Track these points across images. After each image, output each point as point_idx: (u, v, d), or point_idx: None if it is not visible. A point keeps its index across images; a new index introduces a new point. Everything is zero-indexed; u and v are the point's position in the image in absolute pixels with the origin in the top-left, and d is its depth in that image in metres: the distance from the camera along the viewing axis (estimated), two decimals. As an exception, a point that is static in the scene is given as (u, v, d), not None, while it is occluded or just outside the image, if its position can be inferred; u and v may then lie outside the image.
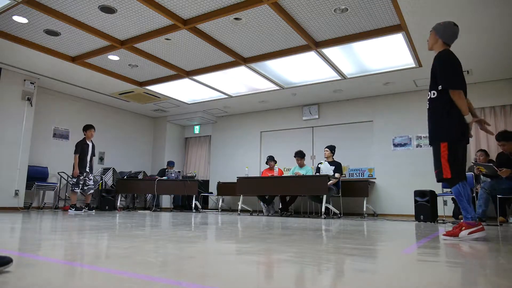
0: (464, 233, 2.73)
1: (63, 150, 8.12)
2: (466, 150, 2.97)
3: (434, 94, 2.94)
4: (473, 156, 6.23)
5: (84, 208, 6.87)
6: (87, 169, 6.92)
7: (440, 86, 2.88)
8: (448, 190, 6.09)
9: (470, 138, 2.92)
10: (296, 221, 5.08)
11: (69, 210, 6.70)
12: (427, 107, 3.04)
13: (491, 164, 4.86)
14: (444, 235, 2.88)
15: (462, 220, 2.90)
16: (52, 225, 3.76)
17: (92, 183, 7.07)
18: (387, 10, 4.56)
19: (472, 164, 5.48)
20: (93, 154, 7.08)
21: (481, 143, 6.66)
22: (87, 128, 7.08)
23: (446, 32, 3.00)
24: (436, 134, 2.91)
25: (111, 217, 5.37)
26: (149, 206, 9.27)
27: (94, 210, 7.28)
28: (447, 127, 2.84)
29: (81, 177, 6.85)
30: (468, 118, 2.81)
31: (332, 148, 7.00)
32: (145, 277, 1.32)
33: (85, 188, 6.91)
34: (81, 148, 6.91)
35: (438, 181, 2.94)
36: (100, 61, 6.50)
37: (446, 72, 2.87)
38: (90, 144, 7.05)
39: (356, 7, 4.51)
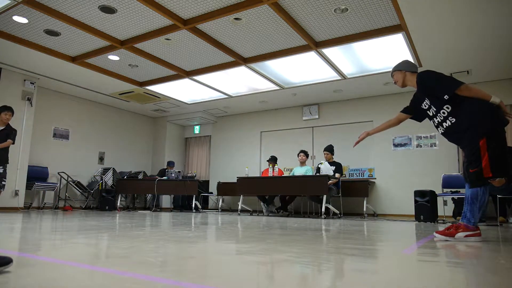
0: (461, 234, 2.72)
1: (63, 150, 8.13)
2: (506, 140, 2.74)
3: (448, 108, 2.79)
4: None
5: None
6: None
7: (446, 95, 2.73)
8: (449, 190, 6.08)
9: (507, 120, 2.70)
10: (296, 221, 5.08)
11: None
12: (442, 131, 2.89)
13: None
14: (437, 232, 2.86)
15: (460, 221, 2.89)
16: (52, 225, 3.76)
17: None
18: (387, 10, 4.56)
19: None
20: (3, 140, 5.35)
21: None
22: (1, 110, 5.41)
23: (408, 64, 3.12)
24: (471, 136, 2.70)
25: (111, 217, 5.37)
26: (149, 206, 9.27)
27: None
28: (480, 121, 2.66)
29: None
30: (495, 98, 2.66)
31: (330, 149, 7.00)
32: (145, 277, 1.31)
33: None
34: None
35: (472, 181, 2.71)
36: (100, 61, 6.50)
37: (441, 81, 2.80)
38: None
39: (356, 7, 4.51)
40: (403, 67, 3.13)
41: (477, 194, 2.69)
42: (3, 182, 5.40)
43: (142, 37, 5.48)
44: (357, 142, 3.40)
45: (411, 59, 5.92)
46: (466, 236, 2.71)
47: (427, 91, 2.90)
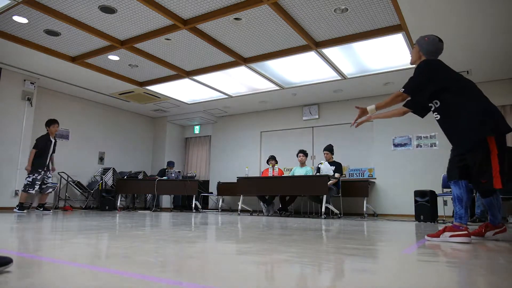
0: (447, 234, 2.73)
1: (63, 150, 8.11)
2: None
3: (437, 103, 2.78)
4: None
5: (38, 208, 6.44)
6: (45, 168, 6.39)
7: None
8: (449, 190, 6.09)
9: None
10: (296, 221, 5.07)
11: (14, 209, 6.19)
12: (437, 118, 2.85)
13: None
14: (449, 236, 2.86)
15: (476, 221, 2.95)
16: (52, 225, 3.76)
17: (51, 182, 6.58)
18: (387, 10, 4.56)
19: None
20: (53, 151, 6.55)
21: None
22: (51, 123, 6.50)
23: (430, 48, 2.87)
24: (470, 133, 2.60)
25: (111, 217, 5.37)
26: (149, 206, 9.27)
27: (51, 210, 6.68)
28: (482, 120, 2.52)
29: (39, 177, 6.26)
30: (371, 109, 2.92)
31: (330, 149, 7.00)
32: (145, 277, 1.31)
33: (43, 187, 6.41)
34: (43, 145, 6.35)
35: (485, 190, 2.70)
36: (100, 61, 6.50)
37: (411, 78, 2.78)
38: (53, 141, 6.53)
39: (356, 7, 4.51)
40: (424, 50, 2.90)
41: (492, 203, 2.76)
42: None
43: (142, 37, 5.48)
44: (358, 123, 3.11)
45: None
46: (495, 234, 2.82)
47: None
